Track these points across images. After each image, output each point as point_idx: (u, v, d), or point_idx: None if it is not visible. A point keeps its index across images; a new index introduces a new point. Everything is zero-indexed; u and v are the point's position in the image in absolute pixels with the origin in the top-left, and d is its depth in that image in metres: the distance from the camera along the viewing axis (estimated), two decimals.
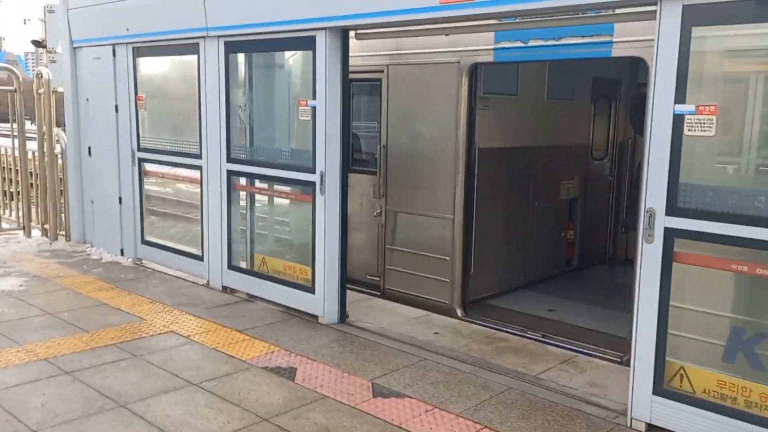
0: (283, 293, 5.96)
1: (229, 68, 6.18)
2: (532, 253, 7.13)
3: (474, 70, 5.84)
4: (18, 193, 8.87)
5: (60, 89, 8.37)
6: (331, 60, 5.32)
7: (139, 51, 7.18)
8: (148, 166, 7.45)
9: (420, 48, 6.11)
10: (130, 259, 7.64)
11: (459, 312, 6.13)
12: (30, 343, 4.92)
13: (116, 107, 7.53)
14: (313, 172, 5.52)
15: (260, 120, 6.39)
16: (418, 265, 6.43)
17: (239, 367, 4.61)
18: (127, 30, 7.13)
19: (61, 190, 8.60)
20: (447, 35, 5.80)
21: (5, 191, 9.08)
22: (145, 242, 7.53)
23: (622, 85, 8.28)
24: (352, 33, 5.60)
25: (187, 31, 6.46)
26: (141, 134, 7.34)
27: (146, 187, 7.51)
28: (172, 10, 6.56)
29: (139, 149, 7.36)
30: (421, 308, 6.23)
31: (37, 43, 9.20)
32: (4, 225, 8.90)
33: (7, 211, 9.04)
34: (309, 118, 5.54)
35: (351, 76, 5.69)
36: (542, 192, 7.20)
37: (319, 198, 5.52)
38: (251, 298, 6.29)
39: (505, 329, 5.64)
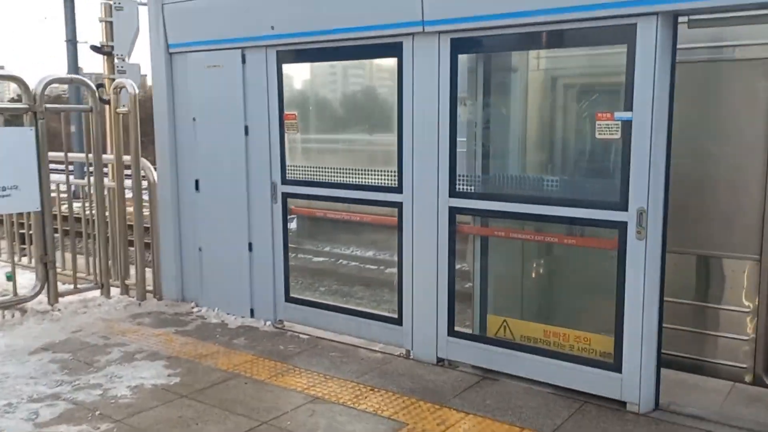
0: (556, 370, 4.46)
1: (456, 73, 4.67)
2: None
3: None
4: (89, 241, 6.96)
5: (122, 108, 6.54)
6: (662, 57, 3.91)
7: (289, 56, 5.54)
8: (297, 204, 5.80)
9: (713, 40, 4.71)
10: (268, 323, 5.94)
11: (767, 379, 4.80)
12: None
13: (246, 129, 5.85)
14: (622, 208, 4.08)
15: (504, 141, 4.90)
16: (695, 321, 5.03)
17: None
18: (272, 29, 5.49)
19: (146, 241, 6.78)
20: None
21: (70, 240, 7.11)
22: (291, 300, 5.84)
23: None
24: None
25: (383, 28, 4.90)
26: (288, 163, 5.69)
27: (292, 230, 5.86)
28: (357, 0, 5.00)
29: (284, 182, 5.70)
30: (697, 373, 4.86)
31: (97, 49, 7.34)
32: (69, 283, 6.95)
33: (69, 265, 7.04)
34: (615, 136, 4.10)
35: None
36: None
37: (634, 245, 4.08)
38: (485, 373, 4.76)
39: None
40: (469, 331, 4.96)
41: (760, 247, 4.73)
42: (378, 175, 5.20)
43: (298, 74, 5.75)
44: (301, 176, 5.64)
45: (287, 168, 5.69)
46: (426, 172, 4.88)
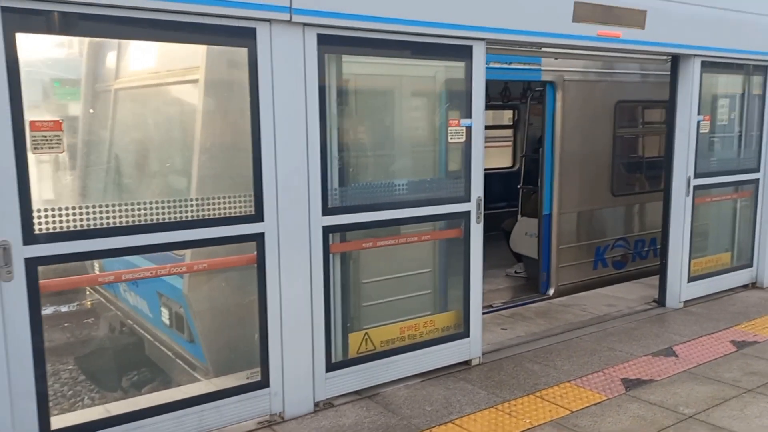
0: (420, 359, 4.80)
1: (324, 73, 4.06)
2: None
3: None
4: None
5: None
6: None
7: (31, 21, 3.11)
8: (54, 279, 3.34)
9: None
10: None
11: None
12: None
13: None
14: (467, 200, 4.86)
15: (369, 148, 4.41)
16: None
17: None
18: None
19: None
20: None
21: None
22: None
23: None
24: None
25: (231, 5, 3.64)
26: (40, 208, 3.22)
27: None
28: None
29: (31, 240, 3.22)
30: None
31: None
32: None
33: None
34: (462, 140, 4.78)
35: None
36: None
37: (475, 229, 4.93)
38: (364, 394, 4.54)
39: None
40: (335, 359, 4.48)
41: None
42: (223, 203, 3.80)
43: (67, 49, 3.20)
44: (79, 222, 3.33)
45: (38, 215, 3.23)
46: (294, 191, 4.04)
